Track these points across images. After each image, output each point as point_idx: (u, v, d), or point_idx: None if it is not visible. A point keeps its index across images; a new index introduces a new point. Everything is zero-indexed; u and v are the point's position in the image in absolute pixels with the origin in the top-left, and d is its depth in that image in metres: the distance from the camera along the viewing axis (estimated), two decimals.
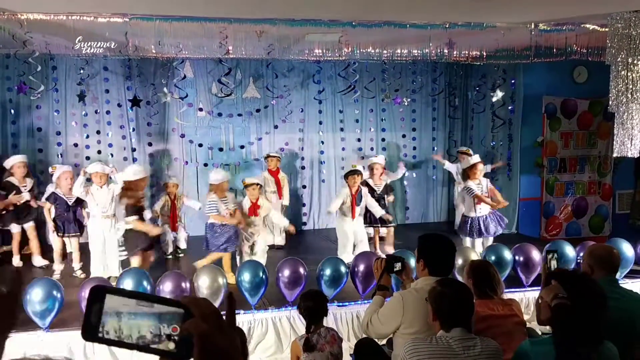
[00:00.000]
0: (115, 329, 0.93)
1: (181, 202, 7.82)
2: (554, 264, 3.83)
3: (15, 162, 7.05)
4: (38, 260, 7.14)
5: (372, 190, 7.42)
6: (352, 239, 7.11)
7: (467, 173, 7.18)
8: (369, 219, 7.36)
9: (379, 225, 7.47)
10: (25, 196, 6.89)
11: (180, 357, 0.93)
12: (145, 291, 5.11)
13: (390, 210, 7.61)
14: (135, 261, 5.95)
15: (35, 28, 5.92)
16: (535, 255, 6.04)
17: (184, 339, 0.92)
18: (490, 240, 7.10)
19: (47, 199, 6.84)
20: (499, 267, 5.63)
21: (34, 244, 7.15)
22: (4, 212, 6.82)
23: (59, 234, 6.72)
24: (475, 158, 7.24)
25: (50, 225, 6.78)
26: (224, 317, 0.97)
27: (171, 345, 0.93)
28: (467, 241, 7.68)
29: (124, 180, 6.04)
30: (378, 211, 7.24)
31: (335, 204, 7.16)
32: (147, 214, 6.35)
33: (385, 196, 7.51)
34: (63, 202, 6.68)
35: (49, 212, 6.81)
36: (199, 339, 0.91)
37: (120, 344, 0.94)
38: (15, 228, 7.06)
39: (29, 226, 7.10)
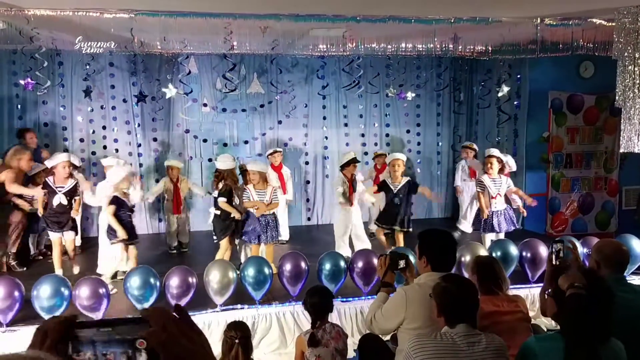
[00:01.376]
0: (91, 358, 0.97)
1: (186, 187, 7.72)
2: (556, 249, 3.80)
3: (58, 162, 6.43)
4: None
5: (388, 190, 7.02)
6: (349, 231, 7.12)
7: (483, 166, 7.23)
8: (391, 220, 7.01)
9: (400, 228, 6.98)
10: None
11: None
12: (154, 287, 5.14)
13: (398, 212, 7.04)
14: (224, 244, 6.31)
15: (41, 24, 5.94)
16: (542, 251, 6.03)
17: (154, 350, 0.96)
18: (501, 236, 7.11)
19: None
20: (505, 262, 5.62)
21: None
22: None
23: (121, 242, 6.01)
24: (493, 151, 7.22)
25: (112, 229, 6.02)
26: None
27: (142, 358, 0.97)
28: (465, 226, 7.67)
29: (221, 169, 6.36)
30: (369, 198, 7.24)
31: (339, 191, 7.15)
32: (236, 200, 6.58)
33: (401, 196, 6.95)
34: (124, 205, 6.05)
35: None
36: (161, 347, 0.94)
37: None
38: (54, 236, 6.42)
39: (69, 236, 6.51)
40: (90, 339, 0.97)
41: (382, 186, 7.13)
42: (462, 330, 2.79)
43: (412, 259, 3.99)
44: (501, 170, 7.16)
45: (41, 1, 5.61)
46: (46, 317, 4.88)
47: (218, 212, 6.35)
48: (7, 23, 5.94)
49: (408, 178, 7.11)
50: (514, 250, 6.01)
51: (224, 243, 6.39)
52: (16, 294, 4.88)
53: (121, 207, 6.01)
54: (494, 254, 5.78)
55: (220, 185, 6.38)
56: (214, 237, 6.47)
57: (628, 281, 3.74)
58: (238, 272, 5.47)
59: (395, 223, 6.94)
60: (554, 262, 3.76)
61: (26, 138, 7.69)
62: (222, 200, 6.30)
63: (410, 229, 6.96)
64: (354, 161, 7.04)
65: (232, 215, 6.32)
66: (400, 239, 6.94)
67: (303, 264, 5.52)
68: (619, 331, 2.68)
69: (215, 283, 5.23)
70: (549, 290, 3.14)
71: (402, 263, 3.80)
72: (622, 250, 3.66)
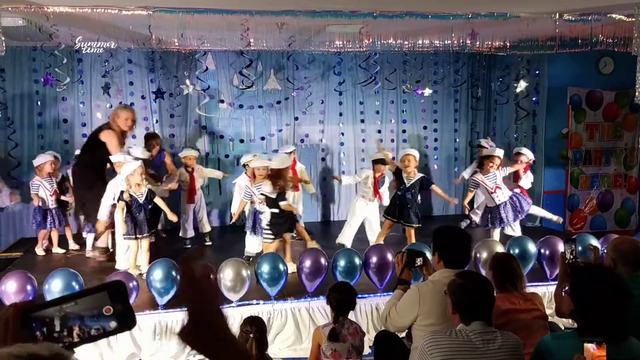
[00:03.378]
0: (62, 326, 1.01)
1: (203, 175, 7.82)
2: (569, 248, 3.78)
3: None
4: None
5: (401, 181, 6.95)
6: (359, 223, 7.15)
7: (483, 162, 7.29)
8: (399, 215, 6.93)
9: (411, 224, 6.89)
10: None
11: (126, 328, 1.04)
12: (176, 280, 5.15)
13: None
14: (274, 245, 6.25)
15: (61, 21, 6.00)
16: (561, 248, 5.97)
17: (121, 313, 1.02)
18: (517, 228, 7.10)
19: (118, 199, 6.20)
20: (523, 260, 5.58)
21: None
22: None
23: (132, 237, 6.20)
24: (496, 151, 7.29)
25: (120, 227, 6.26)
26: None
27: (113, 324, 1.02)
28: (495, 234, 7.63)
29: (273, 168, 6.34)
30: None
31: (350, 178, 7.44)
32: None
33: (412, 191, 6.85)
34: (135, 200, 6.15)
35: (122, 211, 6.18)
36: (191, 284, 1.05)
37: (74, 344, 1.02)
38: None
39: None
40: (79, 314, 1.01)
41: (397, 174, 7.02)
42: (477, 327, 2.79)
43: (429, 256, 3.99)
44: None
45: None
46: None
47: (277, 211, 6.28)
48: (27, 20, 6.01)
49: (422, 175, 7.05)
50: (532, 247, 5.96)
51: (276, 242, 6.34)
52: (28, 287, 4.93)
53: (131, 204, 6.11)
54: (512, 252, 5.74)
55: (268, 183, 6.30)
56: (270, 237, 6.30)
57: None
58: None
59: (407, 219, 6.87)
60: (567, 260, 3.75)
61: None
62: (284, 203, 6.29)
63: (420, 225, 6.93)
64: (382, 161, 7.06)
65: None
66: (412, 235, 6.88)
67: (323, 260, 5.51)
68: (636, 330, 2.66)
69: (229, 281, 5.23)
70: (566, 287, 3.12)
71: (419, 261, 3.81)
72: (639, 248, 3.63)
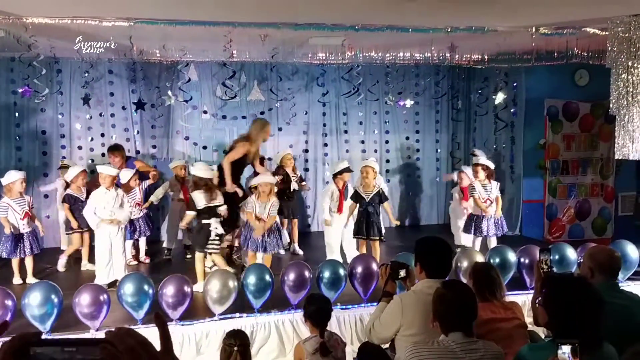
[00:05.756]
0: None
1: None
2: (544, 258, 3.84)
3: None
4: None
5: (360, 199, 6.85)
6: (339, 239, 7.17)
7: (473, 170, 7.44)
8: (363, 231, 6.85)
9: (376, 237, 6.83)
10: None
11: None
12: (148, 295, 5.10)
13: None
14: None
15: (40, 32, 5.94)
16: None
17: None
18: (494, 242, 7.18)
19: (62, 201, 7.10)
20: (503, 269, 5.66)
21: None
22: None
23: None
24: (480, 159, 7.41)
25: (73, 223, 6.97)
26: (151, 345, 0.97)
27: None
28: (464, 239, 7.66)
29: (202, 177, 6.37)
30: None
31: (325, 208, 7.20)
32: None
33: (374, 205, 6.80)
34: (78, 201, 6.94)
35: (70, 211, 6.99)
36: None
37: None
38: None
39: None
40: (51, 357, 0.93)
41: (355, 196, 6.91)
42: (459, 337, 2.81)
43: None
44: (490, 177, 7.33)
45: (40, 9, 5.60)
46: (37, 325, 4.84)
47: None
48: (6, 31, 5.94)
49: (379, 187, 6.96)
50: (512, 256, 6.04)
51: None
52: (8, 303, 4.81)
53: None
54: (492, 261, 5.81)
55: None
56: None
57: (621, 287, 3.77)
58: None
59: (371, 233, 6.78)
60: (541, 271, 3.80)
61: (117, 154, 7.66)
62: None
63: (382, 237, 6.92)
64: (347, 170, 7.09)
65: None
66: (377, 248, 6.85)
67: (307, 273, 5.49)
68: (614, 337, 2.70)
69: (215, 293, 5.18)
70: (539, 298, 3.16)
71: (402, 272, 3.81)
72: (615, 257, 3.69)
